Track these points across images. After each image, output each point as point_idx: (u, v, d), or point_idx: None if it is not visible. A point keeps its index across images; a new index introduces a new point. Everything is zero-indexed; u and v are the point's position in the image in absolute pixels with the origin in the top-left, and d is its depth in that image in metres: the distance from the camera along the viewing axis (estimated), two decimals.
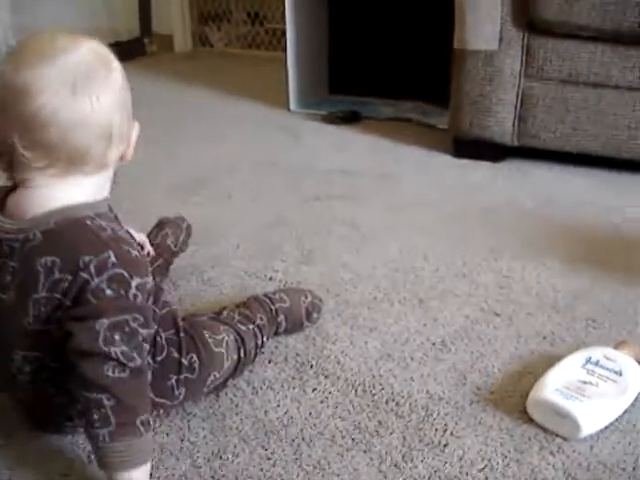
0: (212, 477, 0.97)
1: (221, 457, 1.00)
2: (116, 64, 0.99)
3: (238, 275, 1.51)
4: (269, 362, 1.21)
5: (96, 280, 0.88)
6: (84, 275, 0.88)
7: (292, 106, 2.80)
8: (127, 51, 3.85)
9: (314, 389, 1.14)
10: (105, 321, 0.88)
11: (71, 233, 0.91)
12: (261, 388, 1.15)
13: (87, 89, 0.91)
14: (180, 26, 4.09)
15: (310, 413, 1.09)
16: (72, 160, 0.92)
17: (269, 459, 1.00)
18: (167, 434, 1.05)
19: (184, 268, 1.53)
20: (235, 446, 1.02)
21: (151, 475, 0.93)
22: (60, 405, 0.99)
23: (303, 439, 1.03)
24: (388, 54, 2.85)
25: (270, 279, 1.49)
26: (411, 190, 1.99)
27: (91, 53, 0.96)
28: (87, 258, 0.88)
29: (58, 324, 0.90)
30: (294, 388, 1.15)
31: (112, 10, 3.79)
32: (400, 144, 2.36)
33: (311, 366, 1.20)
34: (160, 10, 4.04)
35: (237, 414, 1.09)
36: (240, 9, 4.12)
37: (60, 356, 0.91)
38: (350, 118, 2.62)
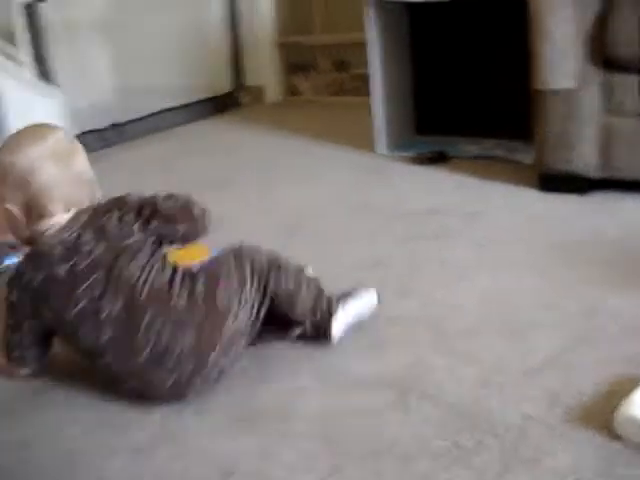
0: None
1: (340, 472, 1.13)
2: None
3: None
4: (376, 388, 1.34)
5: None
6: None
7: (379, 149, 2.95)
8: (222, 104, 4.12)
9: (417, 412, 1.26)
10: None
11: None
12: (370, 412, 1.27)
13: None
14: (270, 78, 4.32)
15: (414, 433, 1.21)
16: None
17: (380, 474, 1.12)
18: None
19: None
20: (350, 462, 1.15)
21: None
22: None
23: (409, 456, 1.15)
24: (470, 94, 2.97)
25: (369, 316, 1.62)
26: (499, 226, 2.10)
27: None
28: None
29: None
30: (399, 411, 1.27)
31: (208, 68, 4.05)
32: (487, 181, 2.47)
33: (413, 391, 1.32)
34: (251, 64, 4.28)
35: (352, 434, 1.22)
36: (326, 58, 4.31)
37: None
38: (437, 158, 2.74)
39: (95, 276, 1.33)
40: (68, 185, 1.40)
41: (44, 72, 3.22)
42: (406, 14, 3.00)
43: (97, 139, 3.48)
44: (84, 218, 1.39)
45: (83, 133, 3.38)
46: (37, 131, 1.45)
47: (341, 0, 4.10)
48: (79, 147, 1.48)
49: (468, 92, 2.98)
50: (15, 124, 2.79)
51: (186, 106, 3.96)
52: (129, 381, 1.35)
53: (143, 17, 3.66)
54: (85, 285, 1.33)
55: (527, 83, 2.30)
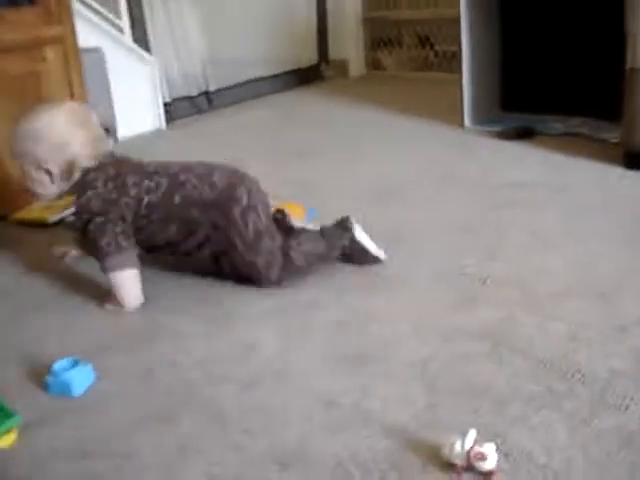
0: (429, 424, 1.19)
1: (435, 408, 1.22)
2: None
3: (431, 269, 1.73)
4: (470, 339, 1.42)
5: None
6: None
7: (467, 123, 3.00)
8: (307, 76, 4.22)
9: (509, 363, 1.34)
10: None
11: None
12: (465, 359, 1.36)
13: None
14: (354, 52, 4.38)
15: (508, 380, 1.29)
16: None
17: (476, 412, 1.21)
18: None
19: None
20: (449, 401, 1.24)
21: None
22: None
23: (503, 399, 1.24)
24: (558, 72, 3.00)
25: (460, 274, 1.70)
26: (585, 199, 2.14)
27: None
28: None
29: None
30: (493, 361, 1.35)
31: (294, 41, 4.14)
32: (572, 157, 2.51)
33: (505, 344, 1.40)
34: (336, 39, 4.36)
35: (449, 377, 1.31)
36: (411, 34, 4.36)
37: None
38: (523, 134, 2.79)
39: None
40: (94, 142, 1.71)
41: (141, 39, 3.35)
42: None
43: (189, 106, 3.62)
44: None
45: (175, 100, 3.53)
46: (54, 101, 1.80)
47: None
48: (89, 111, 1.79)
49: (555, 70, 3.00)
50: (116, 87, 2.95)
51: (273, 77, 4.06)
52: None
53: None
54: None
55: (617, 62, 2.33)
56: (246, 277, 1.71)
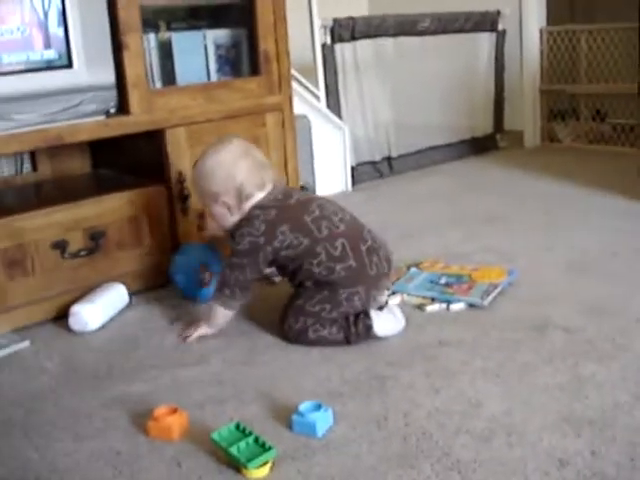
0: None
1: None
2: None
3: None
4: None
5: None
6: None
7: None
8: (482, 146, 4.31)
9: None
10: None
11: None
12: None
13: None
14: (530, 123, 4.45)
15: None
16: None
17: None
18: None
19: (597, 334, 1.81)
20: None
21: None
22: None
23: None
24: None
25: None
26: None
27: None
28: None
29: None
30: None
31: (472, 111, 4.25)
32: None
33: None
34: (512, 109, 4.44)
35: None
36: (588, 107, 4.38)
37: None
38: None
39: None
40: (258, 172, 1.90)
41: (334, 105, 3.55)
42: None
43: (371, 170, 3.78)
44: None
45: (359, 164, 3.70)
46: (220, 140, 1.97)
47: (605, 52, 4.18)
48: (251, 144, 1.99)
49: None
50: (315, 150, 3.14)
51: (449, 145, 4.17)
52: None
53: (420, 61, 3.92)
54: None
55: None
56: None
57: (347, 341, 1.84)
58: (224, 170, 1.89)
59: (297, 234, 1.85)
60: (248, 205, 1.90)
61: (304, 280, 1.89)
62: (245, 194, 1.89)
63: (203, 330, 1.93)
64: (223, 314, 1.91)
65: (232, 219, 1.93)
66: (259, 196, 1.91)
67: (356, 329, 1.84)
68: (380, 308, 1.91)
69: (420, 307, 2.05)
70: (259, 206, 1.89)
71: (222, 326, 1.93)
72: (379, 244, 1.93)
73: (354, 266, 1.85)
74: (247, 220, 1.88)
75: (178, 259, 2.20)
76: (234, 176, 1.89)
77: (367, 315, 1.86)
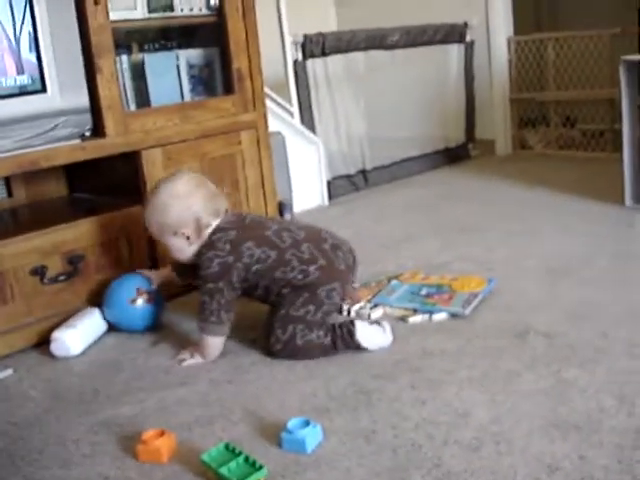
0: None
1: None
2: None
3: (627, 349, 1.78)
4: None
5: None
6: None
7: (627, 202, 3.03)
8: (455, 156, 4.35)
9: None
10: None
11: None
12: None
13: None
14: (501, 131, 4.50)
15: None
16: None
17: None
18: None
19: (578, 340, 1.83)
20: None
21: None
22: None
23: None
24: None
25: None
26: None
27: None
28: None
29: None
30: None
31: (444, 121, 4.30)
32: None
33: None
34: (483, 119, 4.49)
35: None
36: (556, 114, 4.44)
37: None
38: None
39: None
40: (212, 202, 1.94)
41: (307, 121, 3.57)
42: None
43: (347, 183, 3.80)
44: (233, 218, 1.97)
45: (334, 178, 3.71)
46: (170, 175, 2.01)
47: (572, 59, 4.24)
48: (202, 176, 2.03)
49: None
50: (291, 165, 3.15)
51: (423, 156, 4.21)
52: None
53: (391, 74, 3.96)
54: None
55: None
56: None
57: (334, 346, 1.86)
58: (180, 202, 1.92)
59: (263, 248, 1.89)
60: (206, 233, 1.93)
61: (281, 290, 1.90)
62: (203, 223, 1.92)
63: (199, 360, 1.91)
64: (214, 343, 1.90)
65: (191, 249, 1.95)
66: (215, 223, 1.94)
67: (341, 333, 1.86)
68: (372, 323, 1.93)
69: (403, 319, 2.06)
70: (218, 229, 1.93)
71: (216, 355, 1.91)
72: (339, 240, 2.00)
73: (325, 264, 1.90)
74: (209, 245, 1.90)
75: (110, 292, 2.15)
76: (190, 207, 1.91)
77: (352, 322, 1.88)
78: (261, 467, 1.37)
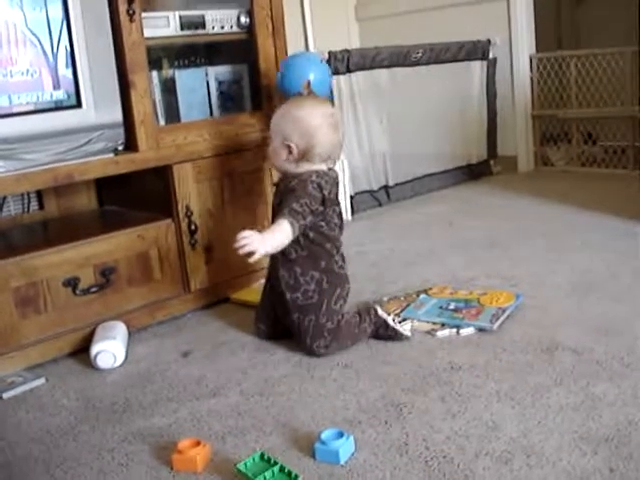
0: None
1: None
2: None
3: None
4: None
5: None
6: None
7: None
8: (477, 172, 4.37)
9: None
10: None
11: None
12: None
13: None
14: (523, 148, 4.51)
15: None
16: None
17: None
18: None
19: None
20: None
21: None
22: None
23: None
24: None
25: None
26: None
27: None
28: None
29: None
30: None
31: (466, 137, 4.31)
32: None
33: None
34: (505, 135, 4.50)
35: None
36: (580, 130, 4.46)
37: None
38: None
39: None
40: (332, 147, 2.00)
41: None
42: None
43: (370, 199, 3.82)
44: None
45: (357, 193, 3.74)
46: (320, 99, 2.08)
47: (594, 76, 4.26)
48: (341, 121, 2.07)
49: None
50: None
51: (445, 172, 4.23)
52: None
53: (414, 90, 3.99)
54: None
55: None
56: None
57: (376, 333, 2.04)
58: (310, 126, 1.98)
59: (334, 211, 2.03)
60: (304, 167, 2.00)
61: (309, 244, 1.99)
62: (310, 155, 1.98)
63: (254, 244, 1.82)
64: (283, 237, 1.88)
65: (284, 164, 2.03)
66: (316, 166, 2.00)
67: (368, 315, 2.03)
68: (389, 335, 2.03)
69: (430, 333, 2.07)
70: (315, 172, 1.98)
71: (274, 248, 1.89)
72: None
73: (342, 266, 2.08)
74: (302, 180, 1.96)
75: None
76: (313, 136, 1.98)
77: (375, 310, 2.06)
78: (297, 476, 1.39)
